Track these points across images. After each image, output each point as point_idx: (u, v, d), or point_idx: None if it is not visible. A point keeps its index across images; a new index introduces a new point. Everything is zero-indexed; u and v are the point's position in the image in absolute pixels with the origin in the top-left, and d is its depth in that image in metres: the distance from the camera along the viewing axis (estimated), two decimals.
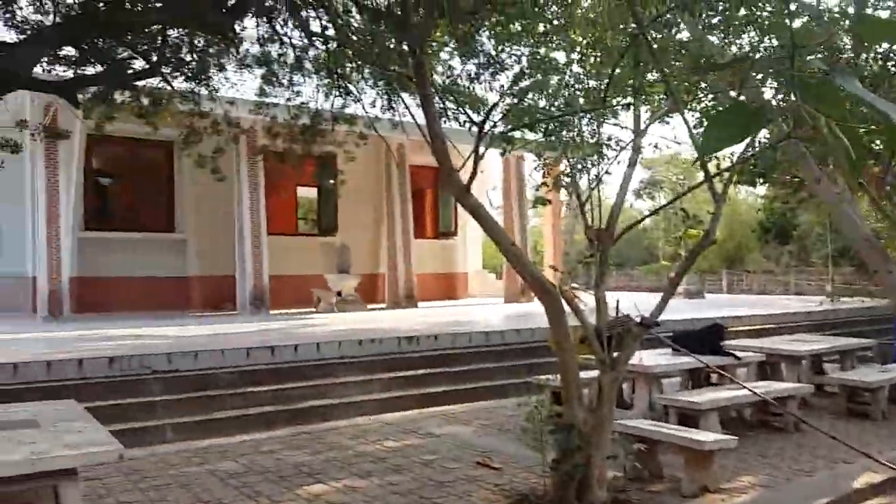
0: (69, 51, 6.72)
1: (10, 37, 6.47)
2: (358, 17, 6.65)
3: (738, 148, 5.47)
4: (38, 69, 6.74)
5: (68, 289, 13.83)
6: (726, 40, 5.98)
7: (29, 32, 6.36)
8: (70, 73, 6.99)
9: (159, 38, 6.76)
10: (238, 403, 7.61)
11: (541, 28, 5.94)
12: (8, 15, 6.41)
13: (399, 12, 4.95)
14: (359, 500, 5.04)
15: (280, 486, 5.35)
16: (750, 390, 6.60)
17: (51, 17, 6.48)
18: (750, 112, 1.34)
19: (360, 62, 5.83)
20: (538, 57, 5.72)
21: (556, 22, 5.79)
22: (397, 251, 17.60)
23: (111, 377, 7.39)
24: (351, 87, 7.46)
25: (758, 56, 5.20)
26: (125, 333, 10.58)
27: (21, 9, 6.42)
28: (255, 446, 6.59)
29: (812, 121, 1.35)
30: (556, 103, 5.59)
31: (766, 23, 5.47)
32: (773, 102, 5.57)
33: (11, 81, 6.00)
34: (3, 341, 9.70)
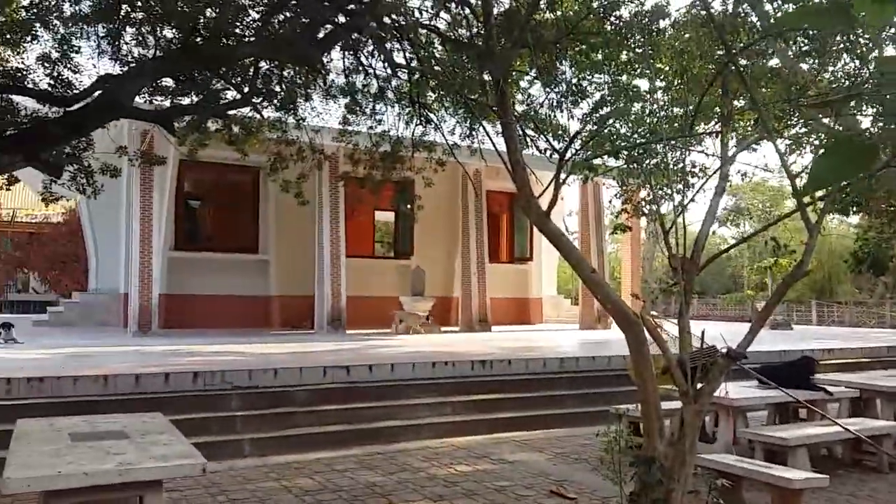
0: (167, 82, 7.12)
1: (115, 69, 6.91)
2: (441, 48, 6.79)
3: None
4: (138, 99, 7.16)
5: (157, 305, 14.48)
6: (819, 67, 5.80)
7: (132, 65, 6.78)
8: (167, 103, 7.40)
9: (251, 69, 7.09)
10: (313, 421, 7.75)
11: (623, 57, 5.91)
12: (113, 49, 6.85)
13: (482, 43, 5.03)
14: None
15: None
16: (842, 427, 6.30)
17: (152, 51, 6.90)
18: (862, 148, 1.28)
19: (441, 91, 5.94)
20: (619, 85, 5.69)
21: (639, 50, 5.75)
22: (471, 275, 17.67)
23: (195, 391, 7.66)
24: (431, 116, 7.60)
25: (852, 83, 5.02)
26: (208, 349, 10.98)
27: (126, 43, 6.85)
28: (329, 464, 6.70)
29: None
30: (639, 130, 5.54)
31: (863, 49, 5.28)
32: (872, 130, 5.37)
33: (116, 110, 6.40)
34: (96, 354, 10.22)
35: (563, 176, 5.11)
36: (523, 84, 6.98)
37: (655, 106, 5.71)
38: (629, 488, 4.60)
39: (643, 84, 6.19)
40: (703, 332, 4.65)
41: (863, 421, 7.29)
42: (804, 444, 6.19)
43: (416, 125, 7.81)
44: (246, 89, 7.04)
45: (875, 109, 5.34)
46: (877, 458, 6.83)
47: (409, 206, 13.19)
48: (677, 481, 4.53)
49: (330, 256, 15.67)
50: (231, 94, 7.45)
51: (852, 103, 5.45)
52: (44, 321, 17.15)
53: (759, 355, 10.85)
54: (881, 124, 5.07)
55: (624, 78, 6.00)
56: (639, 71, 6.03)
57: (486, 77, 5.37)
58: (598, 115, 5.71)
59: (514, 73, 6.00)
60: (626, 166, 5.53)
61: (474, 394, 8.91)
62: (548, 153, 5.60)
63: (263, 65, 7.27)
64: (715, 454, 5.92)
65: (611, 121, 5.68)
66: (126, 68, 6.81)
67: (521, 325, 19.82)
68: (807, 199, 4.92)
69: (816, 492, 5.69)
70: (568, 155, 5.22)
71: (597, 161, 5.67)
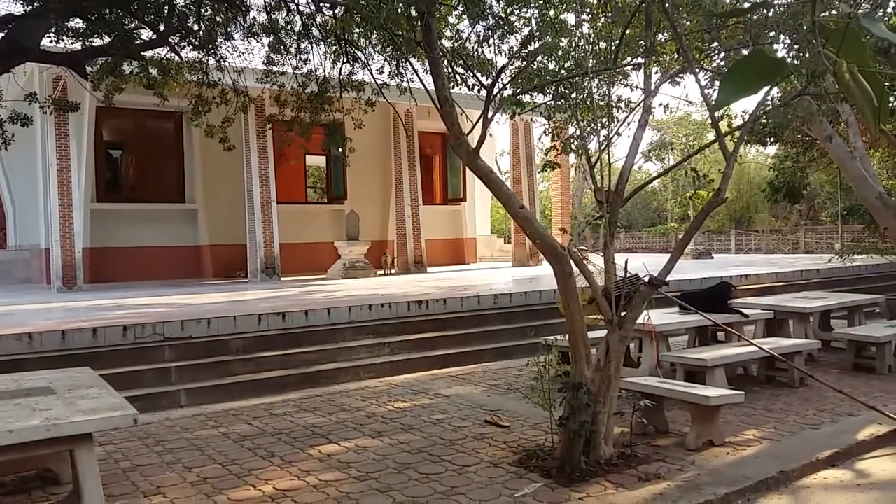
0: (77, 22, 6.72)
1: (17, 9, 6.47)
2: None
3: (751, 106, 5.45)
4: (46, 41, 6.74)
5: (82, 259, 13.99)
6: None
7: (35, 4, 6.36)
8: (78, 45, 7.00)
9: (166, 7, 6.74)
10: (251, 368, 7.75)
11: None
12: None
13: None
14: (370, 458, 5.18)
15: (293, 447, 5.51)
16: (757, 346, 6.69)
17: None
18: (769, 60, 1.32)
19: (367, 27, 5.79)
20: (547, 19, 5.68)
21: None
22: (406, 218, 17.67)
23: (125, 345, 7.52)
24: (359, 54, 7.42)
25: (772, 9, 5.16)
26: (138, 302, 10.75)
27: None
28: (268, 409, 6.75)
29: (833, 67, 1.33)
30: (566, 65, 5.58)
31: None
32: (787, 60, 5.54)
33: (21, 53, 6.02)
34: (18, 312, 9.87)
35: (490, 112, 5.14)
36: (451, 20, 6.89)
37: (582, 40, 5.75)
38: (559, 413, 4.83)
39: (571, 18, 6.21)
40: (626, 262, 4.84)
41: (776, 340, 7.77)
42: (721, 363, 6.57)
43: (344, 64, 7.62)
44: (161, 28, 6.71)
45: (791, 38, 5.52)
46: (788, 374, 7.30)
47: (340, 150, 12.99)
48: (603, 404, 4.77)
49: (261, 203, 15.37)
50: (146, 35, 7.09)
51: (771, 33, 5.60)
52: None
53: (681, 283, 11.37)
54: (795, 53, 5.27)
55: (552, 12, 5.99)
56: (566, 4, 6.03)
57: (413, 11, 5.28)
58: (526, 50, 5.71)
59: (440, 7, 5.91)
60: (553, 102, 5.59)
61: (411, 333, 9.05)
62: (476, 89, 5.59)
63: (179, 1, 6.92)
64: (639, 377, 6.23)
65: (539, 56, 5.70)
66: (29, 7, 6.38)
67: (456, 266, 20.06)
68: (725, 130, 5.10)
69: (733, 407, 6.08)
70: (496, 91, 5.24)
71: (525, 98, 5.70)
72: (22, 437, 3.76)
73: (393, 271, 17.26)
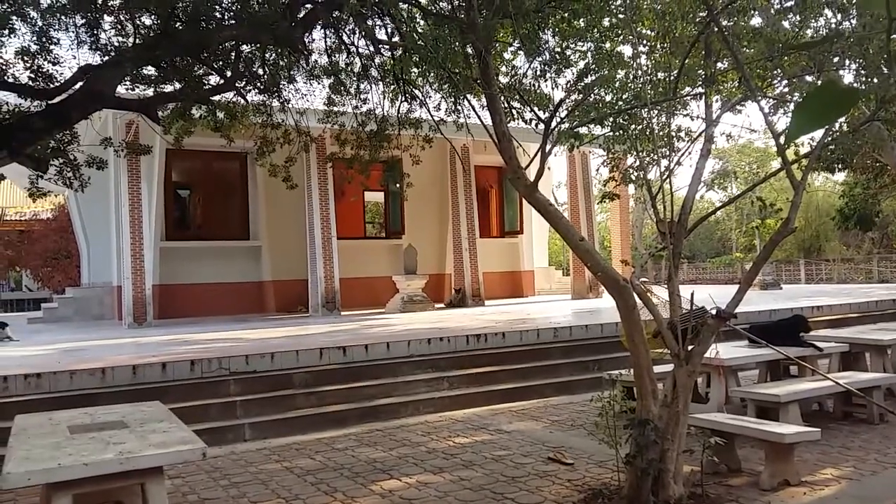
0: (149, 70, 7.07)
1: (95, 59, 6.85)
2: (422, 22, 6.75)
3: (818, 133, 5.31)
4: (121, 88, 7.10)
5: (151, 296, 14.48)
6: (801, 24, 5.76)
7: (112, 54, 6.72)
8: (150, 92, 7.35)
9: (233, 53, 7.03)
10: (313, 402, 7.82)
11: (605, 22, 5.89)
12: (92, 39, 6.78)
13: (463, 16, 5.03)
14: (432, 495, 5.13)
15: (355, 482, 5.50)
16: (833, 381, 6.40)
17: (131, 38, 6.84)
18: (841, 90, 1.30)
19: (425, 67, 5.90)
20: (603, 52, 5.69)
21: (621, 16, 5.74)
22: (463, 251, 17.72)
23: (193, 379, 7.71)
24: (416, 92, 7.57)
25: (833, 36, 5.03)
26: (205, 337, 11.02)
27: (105, 32, 6.78)
28: (329, 443, 6.77)
29: None
30: (623, 97, 5.55)
31: (845, 1, 5.25)
32: (855, 85, 5.39)
33: (99, 100, 6.35)
34: (91, 347, 10.24)
35: (548, 146, 5.14)
36: (507, 56, 6.97)
37: (639, 71, 5.72)
38: (625, 451, 4.69)
39: (627, 50, 6.20)
40: (692, 295, 4.72)
41: (852, 374, 7.41)
42: (795, 399, 6.29)
43: (402, 102, 7.78)
44: (228, 73, 6.99)
45: (857, 64, 5.37)
46: (867, 410, 6.95)
47: (398, 185, 13.18)
48: (672, 441, 4.62)
49: (321, 239, 15.68)
50: (214, 80, 7.39)
51: (836, 59, 5.46)
52: (38, 318, 17.12)
53: (750, 315, 11.01)
54: (864, 77, 5.12)
55: (608, 45, 5.99)
56: (622, 37, 6.03)
57: (470, 50, 5.37)
58: (582, 83, 5.72)
59: (496, 45, 5.98)
60: (611, 133, 5.56)
61: (470, 367, 9.00)
62: (533, 123, 5.61)
63: (245, 48, 7.22)
64: (708, 413, 6.02)
65: (595, 89, 5.70)
66: (106, 58, 6.75)
67: (514, 298, 19.93)
68: (791, 158, 4.97)
69: (808, 445, 5.81)
70: (553, 124, 5.24)
71: (582, 130, 5.69)
72: (97, 471, 3.84)
73: (442, 305, 17.26)
